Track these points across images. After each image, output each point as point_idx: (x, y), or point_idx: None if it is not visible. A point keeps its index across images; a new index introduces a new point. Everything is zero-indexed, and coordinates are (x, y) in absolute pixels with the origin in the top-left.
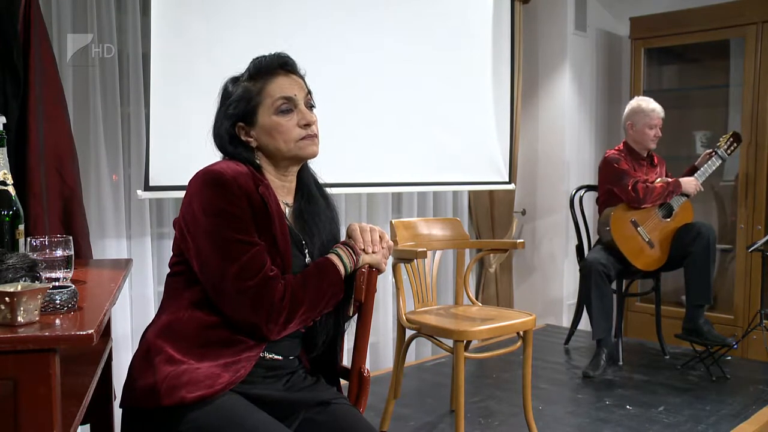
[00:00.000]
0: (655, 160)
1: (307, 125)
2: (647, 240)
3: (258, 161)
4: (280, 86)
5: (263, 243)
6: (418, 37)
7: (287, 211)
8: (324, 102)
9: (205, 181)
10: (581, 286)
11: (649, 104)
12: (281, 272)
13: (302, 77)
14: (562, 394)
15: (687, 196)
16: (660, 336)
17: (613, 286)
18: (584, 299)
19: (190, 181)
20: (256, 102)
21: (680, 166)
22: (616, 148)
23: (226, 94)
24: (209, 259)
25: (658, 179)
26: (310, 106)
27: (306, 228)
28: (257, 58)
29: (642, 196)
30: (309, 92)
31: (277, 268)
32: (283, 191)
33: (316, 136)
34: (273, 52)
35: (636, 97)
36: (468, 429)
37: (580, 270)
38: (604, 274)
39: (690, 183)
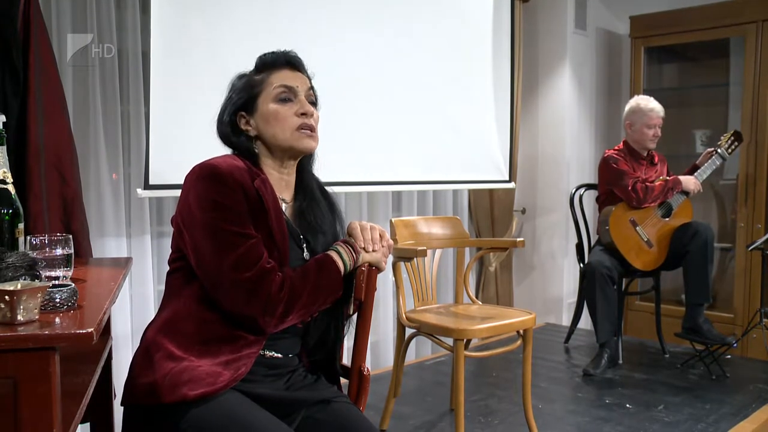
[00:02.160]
0: (656, 159)
1: (304, 114)
2: (646, 239)
3: (257, 150)
4: (282, 77)
5: (259, 236)
6: (418, 36)
7: (284, 206)
8: (323, 101)
9: (201, 175)
10: (584, 288)
11: (648, 104)
12: (278, 266)
13: (308, 76)
14: (562, 392)
15: (687, 194)
16: (660, 335)
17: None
18: (588, 303)
19: (187, 175)
20: (257, 91)
21: (680, 165)
22: (616, 147)
23: (232, 88)
24: (205, 252)
25: (658, 178)
26: (312, 102)
27: (308, 228)
28: (264, 54)
29: (642, 196)
30: (312, 89)
31: (274, 261)
32: (281, 184)
33: (313, 129)
34: (281, 50)
35: (636, 96)
36: (468, 428)
37: (583, 273)
38: (608, 278)
39: (690, 180)
